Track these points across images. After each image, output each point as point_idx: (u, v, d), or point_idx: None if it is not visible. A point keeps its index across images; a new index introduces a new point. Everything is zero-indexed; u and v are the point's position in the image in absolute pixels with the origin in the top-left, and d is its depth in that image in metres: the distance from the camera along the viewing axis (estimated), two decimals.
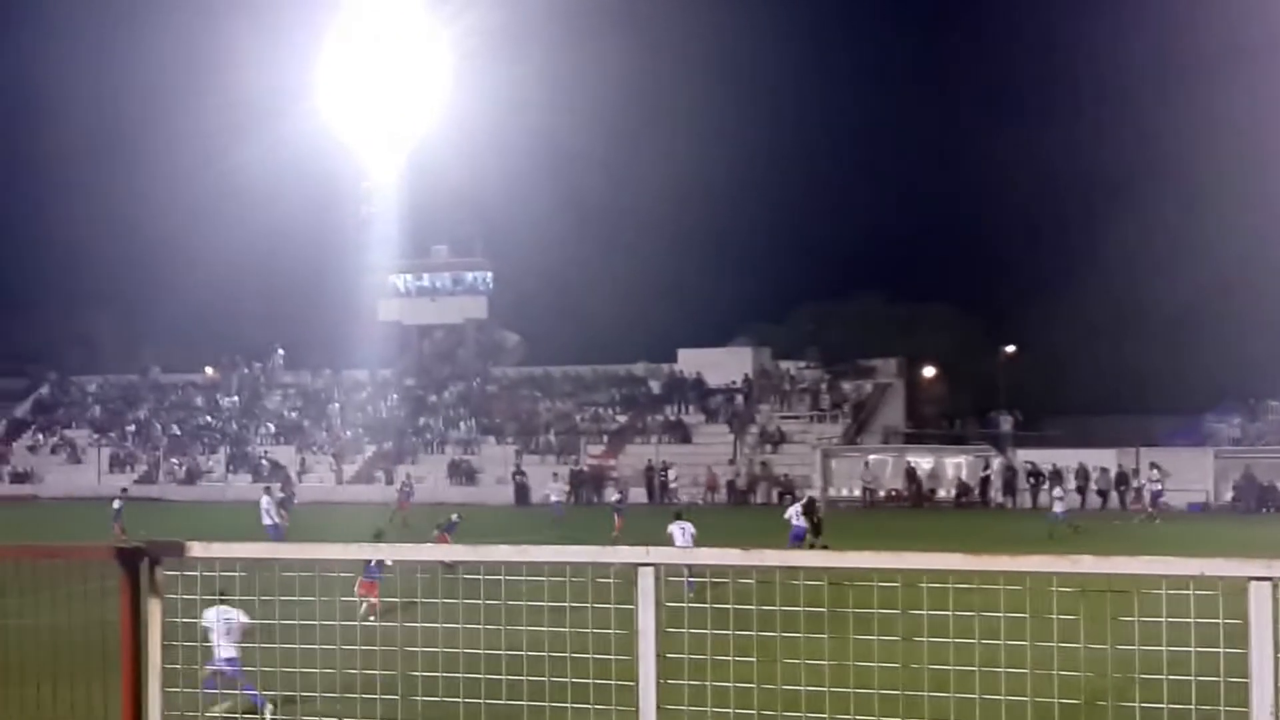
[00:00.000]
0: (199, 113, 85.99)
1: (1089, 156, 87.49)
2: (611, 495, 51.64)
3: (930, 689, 6.38)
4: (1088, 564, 5.24)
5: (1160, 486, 51.31)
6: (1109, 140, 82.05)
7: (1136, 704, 6.09)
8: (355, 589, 15.39)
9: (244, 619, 13.80)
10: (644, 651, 5.64)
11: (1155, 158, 75.94)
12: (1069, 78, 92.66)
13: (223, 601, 13.12)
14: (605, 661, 6.55)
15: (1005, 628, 6.28)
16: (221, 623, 13.41)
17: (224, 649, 13.36)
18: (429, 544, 7.80)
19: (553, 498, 52.55)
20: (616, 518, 42.54)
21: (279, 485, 50.19)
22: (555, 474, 59.04)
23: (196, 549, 6.12)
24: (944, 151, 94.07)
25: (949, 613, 6.36)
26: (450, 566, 7.13)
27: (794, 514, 34.60)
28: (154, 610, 6.01)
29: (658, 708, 5.63)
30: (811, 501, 36.69)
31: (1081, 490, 57.94)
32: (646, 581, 5.65)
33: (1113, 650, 6.32)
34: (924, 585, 6.04)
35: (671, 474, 63.17)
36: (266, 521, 36.22)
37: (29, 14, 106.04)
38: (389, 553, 7.23)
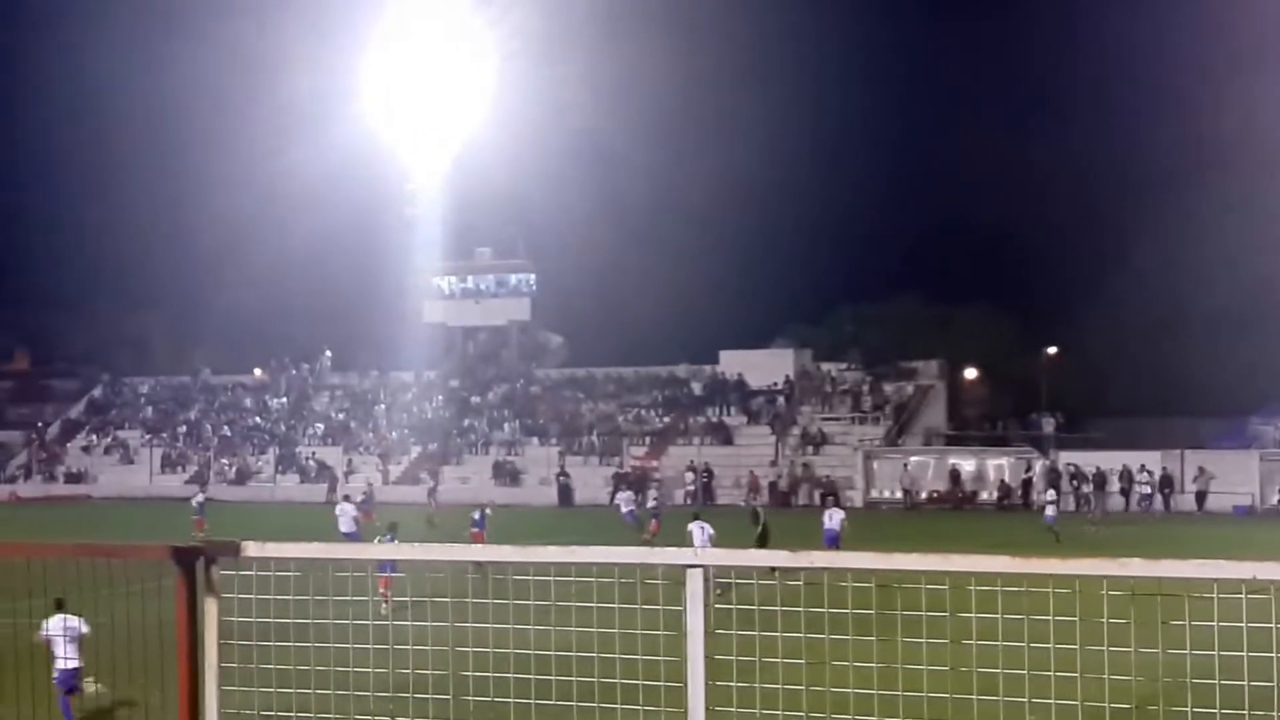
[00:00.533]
0: (248, 117, 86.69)
1: (1131, 156, 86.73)
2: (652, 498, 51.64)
3: (979, 692, 6.34)
4: (1137, 567, 5.19)
5: (1149, 489, 50.73)
6: (1151, 139, 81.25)
7: (1188, 709, 6.04)
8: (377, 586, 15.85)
9: (85, 628, 13.77)
10: (692, 653, 5.61)
11: (1198, 156, 75.38)
12: (1110, 76, 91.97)
13: (59, 608, 13.17)
14: (654, 663, 6.53)
15: (1054, 631, 6.23)
16: (65, 632, 13.36)
17: (68, 660, 13.36)
18: (469, 544, 7.81)
19: (624, 508, 49.11)
20: (654, 521, 42.66)
21: (361, 491, 50.54)
22: (617, 481, 57.65)
23: (251, 549, 6.13)
24: (985, 151, 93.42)
25: (997, 615, 6.31)
26: (479, 566, 7.12)
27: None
28: (210, 609, 6.03)
29: (706, 709, 5.60)
30: (755, 510, 36.25)
31: (1125, 493, 57.64)
32: (694, 583, 5.62)
33: (1163, 654, 6.30)
34: (972, 588, 6.00)
35: (688, 477, 63.20)
36: (345, 529, 36.10)
37: (83, 20, 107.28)
38: (440, 553, 7.04)
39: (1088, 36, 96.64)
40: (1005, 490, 60.23)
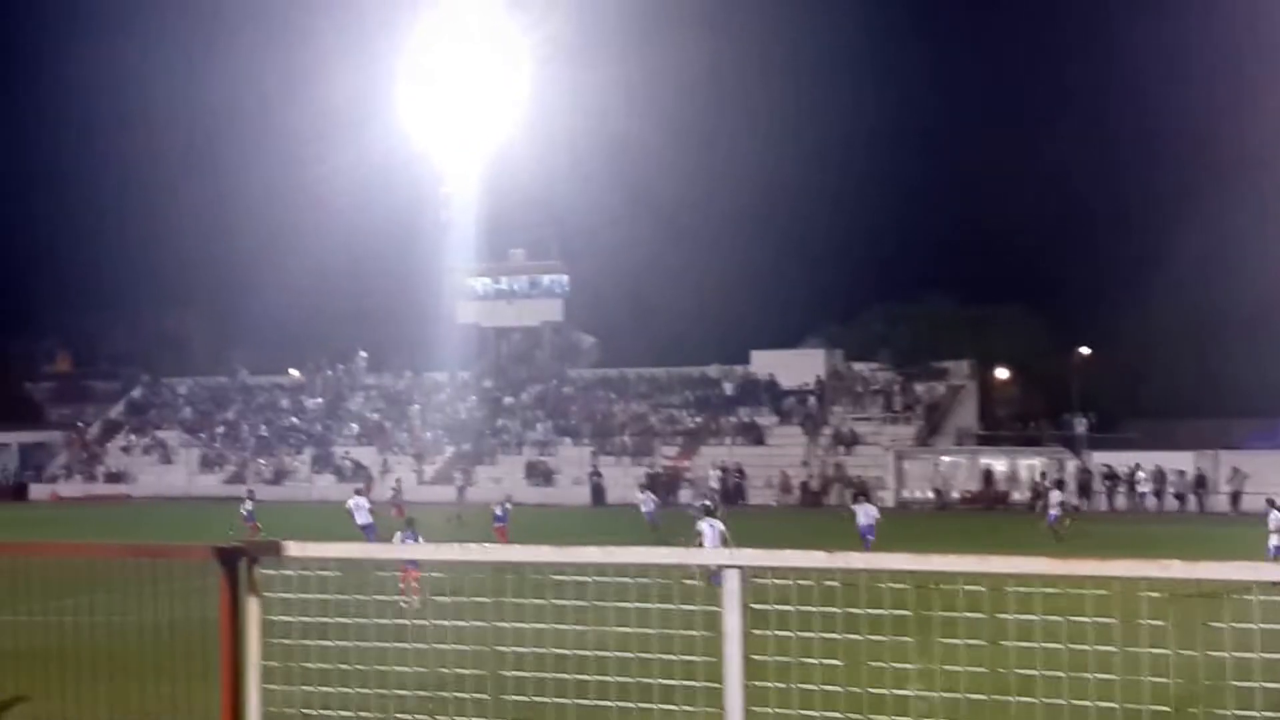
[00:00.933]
0: (286, 121, 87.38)
1: (1165, 155, 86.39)
2: (684, 497, 51.62)
3: (1017, 693, 6.33)
4: (1177, 569, 5.16)
5: (1149, 489, 50.25)
6: (1185, 138, 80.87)
7: (1230, 711, 6.03)
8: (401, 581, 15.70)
9: None
10: (730, 653, 5.62)
11: (1232, 155, 74.83)
12: (1144, 75, 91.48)
13: None
14: (691, 663, 6.55)
15: (1093, 632, 6.19)
16: None
17: None
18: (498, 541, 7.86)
19: (644, 507, 49.09)
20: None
21: (366, 486, 51.29)
22: (641, 483, 57.39)
23: (293, 549, 6.21)
24: (1018, 150, 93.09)
25: (1035, 617, 6.27)
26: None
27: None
28: (253, 608, 6.09)
29: (744, 710, 5.60)
30: (706, 508, 36.23)
31: (1159, 493, 57.45)
32: (732, 584, 5.63)
33: (1203, 656, 6.26)
34: (1009, 589, 5.98)
35: (713, 475, 63.11)
36: (361, 521, 36.98)
37: (124, 28, 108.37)
38: (477, 554, 7.09)
39: (1122, 35, 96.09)
40: (1037, 490, 59.98)
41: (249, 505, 42.71)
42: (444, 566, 7.45)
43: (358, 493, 41.39)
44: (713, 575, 6.56)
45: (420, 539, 27.59)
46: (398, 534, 28.88)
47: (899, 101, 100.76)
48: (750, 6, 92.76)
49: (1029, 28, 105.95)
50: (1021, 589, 5.97)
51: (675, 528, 43.38)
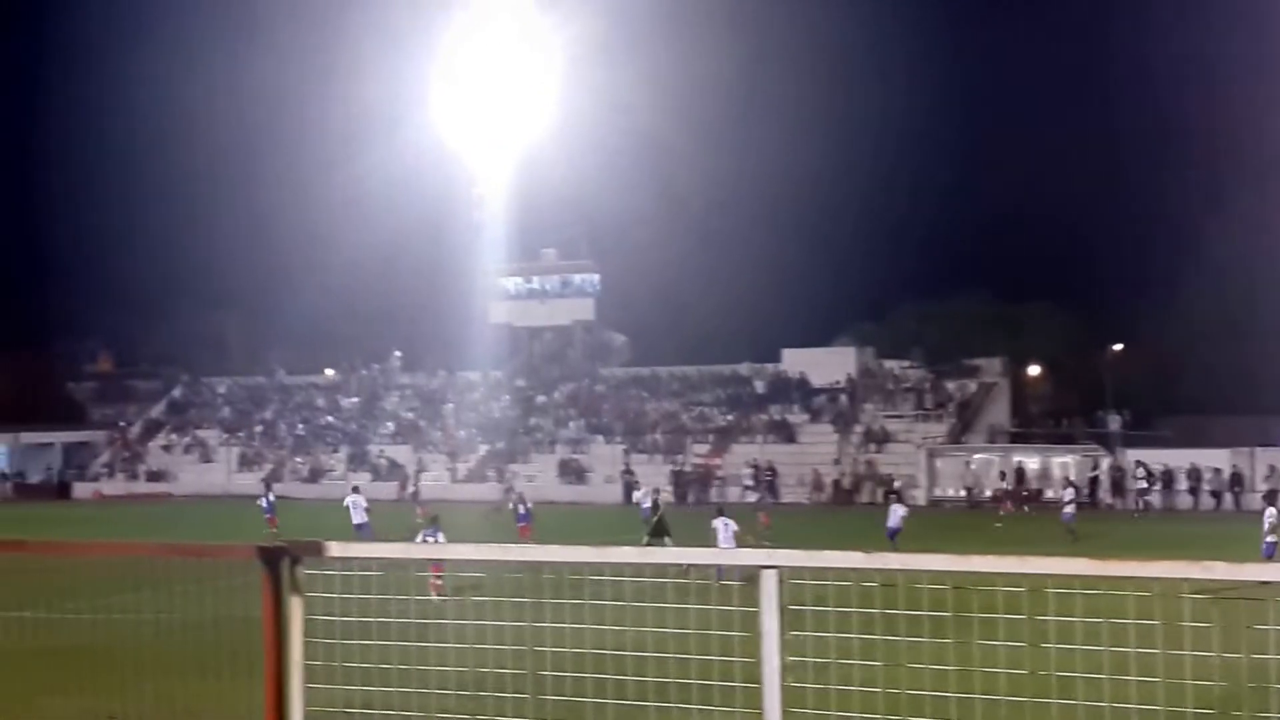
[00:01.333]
0: (320, 123, 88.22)
1: (1199, 151, 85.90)
2: (716, 495, 51.54)
3: (1058, 695, 6.31)
4: (1221, 570, 5.10)
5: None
6: (1219, 135, 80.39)
7: (1276, 715, 6.06)
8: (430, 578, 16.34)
9: None
10: (768, 654, 5.60)
11: (1267, 152, 74.35)
12: (1177, 71, 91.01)
13: None
14: (729, 663, 6.53)
15: (1134, 634, 6.12)
16: None
17: None
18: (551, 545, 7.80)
19: (644, 504, 47.37)
20: (763, 515, 43.25)
21: (412, 485, 51.86)
22: (676, 479, 56.82)
23: (335, 549, 6.20)
24: (1049, 147, 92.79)
25: (1076, 619, 6.19)
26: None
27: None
28: (295, 608, 6.08)
29: (782, 710, 5.58)
30: (719, 507, 36.40)
31: (1194, 491, 57.18)
32: (769, 584, 5.61)
33: (1248, 659, 6.18)
34: (1049, 590, 5.93)
35: (745, 473, 63.14)
36: (356, 520, 37.58)
37: (161, 31, 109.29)
38: (517, 554, 7.11)
39: (1154, 31, 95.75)
40: (1071, 489, 59.73)
41: (270, 497, 43.18)
42: (483, 566, 7.43)
43: (354, 490, 41.93)
44: (719, 570, 6.67)
45: (442, 536, 28.15)
46: (420, 532, 29.11)
47: (930, 100, 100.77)
48: (780, 5, 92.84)
49: (1061, 26, 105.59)
50: (1061, 590, 5.92)
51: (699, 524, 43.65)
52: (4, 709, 11.52)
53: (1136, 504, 55.99)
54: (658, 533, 33.07)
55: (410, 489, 53.69)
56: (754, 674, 5.71)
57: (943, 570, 5.62)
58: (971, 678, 6.61)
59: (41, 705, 11.55)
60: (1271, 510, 30.86)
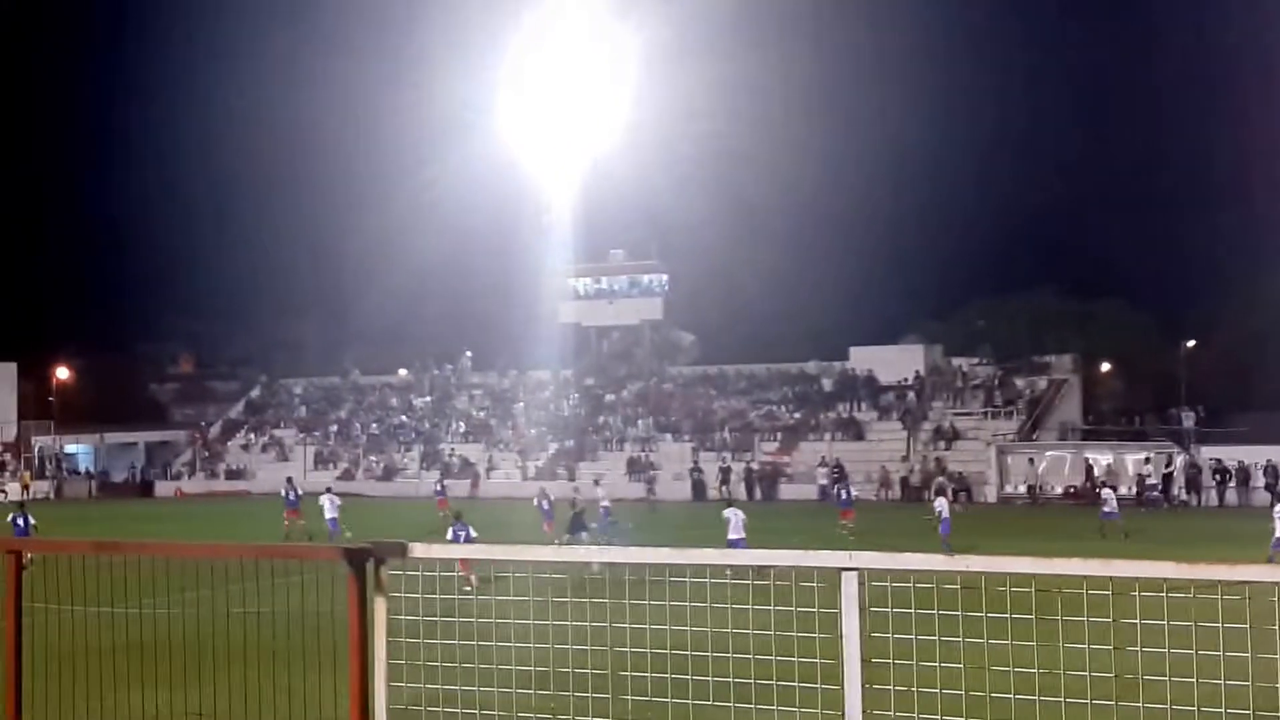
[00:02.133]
0: (393, 128, 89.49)
1: (1272, 145, 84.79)
2: (785, 492, 51.84)
3: (1145, 700, 6.21)
4: None
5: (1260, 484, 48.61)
6: None
7: None
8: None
9: None
10: (848, 655, 5.59)
11: None
12: (1246, 67, 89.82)
13: None
14: (810, 665, 6.52)
15: (1224, 638, 5.91)
16: None
17: None
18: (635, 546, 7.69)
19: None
20: (848, 510, 44.20)
21: (435, 482, 55.32)
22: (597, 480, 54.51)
23: (418, 550, 6.32)
24: (1121, 143, 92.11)
25: (1163, 622, 6.07)
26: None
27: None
28: (380, 607, 6.18)
29: (864, 712, 5.57)
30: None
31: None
32: (850, 586, 5.61)
33: None
34: (1136, 594, 5.83)
35: (820, 472, 63.15)
36: (328, 515, 40.05)
37: (237, 44, 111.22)
38: (597, 554, 7.11)
39: (1225, 29, 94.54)
40: (1144, 486, 59.40)
41: (298, 491, 44.01)
42: (566, 568, 7.27)
43: (329, 490, 43.82)
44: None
45: (471, 531, 29.16)
46: (449, 528, 29.95)
47: (999, 100, 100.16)
48: (845, 11, 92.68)
49: (1129, 21, 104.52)
50: (1148, 593, 5.77)
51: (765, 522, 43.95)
52: (87, 702, 11.87)
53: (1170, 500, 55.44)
54: (575, 529, 34.83)
55: (437, 487, 54.95)
56: (835, 675, 5.72)
57: (1026, 572, 5.57)
58: (1056, 681, 6.53)
59: (123, 700, 11.39)
60: None
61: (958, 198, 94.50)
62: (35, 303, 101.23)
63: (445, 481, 57.11)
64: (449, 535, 28.57)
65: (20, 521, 35.34)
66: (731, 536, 30.89)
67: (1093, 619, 6.08)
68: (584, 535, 34.79)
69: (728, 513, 31.92)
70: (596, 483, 48.43)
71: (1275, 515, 31.04)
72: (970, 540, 34.59)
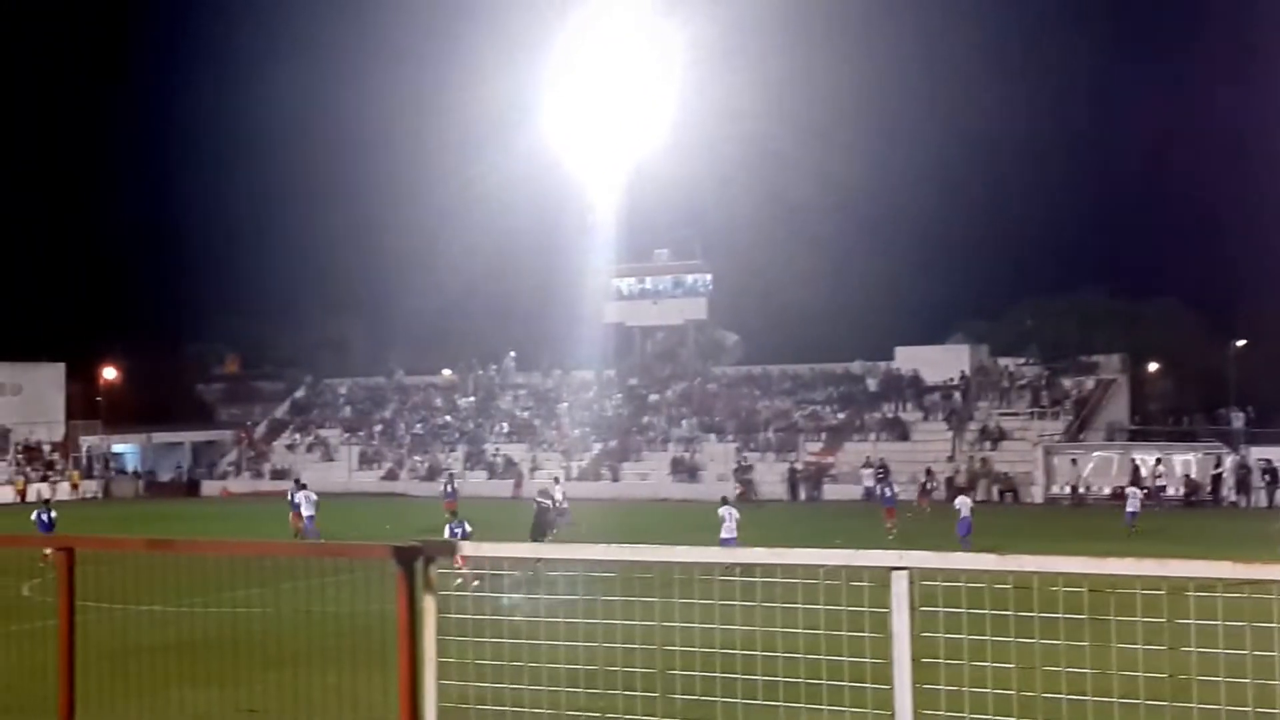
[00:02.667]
0: (437, 129, 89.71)
1: None
2: (829, 493, 51.85)
3: (1199, 700, 6.17)
4: None
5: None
6: None
7: None
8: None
9: None
10: (899, 655, 5.56)
11: None
12: None
13: None
14: (860, 664, 6.49)
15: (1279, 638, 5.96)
16: None
17: None
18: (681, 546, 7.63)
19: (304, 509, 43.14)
20: (889, 509, 44.47)
21: (443, 481, 56.66)
22: (557, 478, 54.53)
23: (468, 549, 6.37)
24: (1168, 142, 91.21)
25: (1218, 622, 6.01)
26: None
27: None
28: (429, 606, 6.18)
29: (914, 711, 5.55)
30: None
31: None
32: (900, 585, 5.59)
33: None
34: (1190, 594, 5.82)
35: (864, 474, 62.89)
36: (306, 512, 40.35)
37: (283, 46, 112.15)
38: (649, 554, 6.85)
39: (1266, 29, 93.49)
40: (1193, 486, 58.86)
41: (302, 494, 42.90)
42: (615, 567, 7.30)
43: (302, 487, 43.77)
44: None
45: (467, 528, 29.82)
46: (446, 527, 30.62)
47: (1047, 99, 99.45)
48: (890, 10, 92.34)
49: (1173, 23, 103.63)
50: (1203, 593, 5.74)
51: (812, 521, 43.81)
52: (140, 699, 11.86)
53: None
54: (537, 533, 35.32)
55: (447, 487, 55.39)
56: (885, 675, 5.70)
57: (1079, 572, 5.51)
58: (1108, 682, 6.51)
59: (175, 696, 11.73)
60: None
61: (1006, 196, 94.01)
62: (83, 304, 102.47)
63: (455, 484, 57.44)
64: (446, 533, 29.15)
65: (45, 518, 36.27)
66: (724, 536, 31.69)
67: (1146, 619, 6.02)
68: (550, 535, 35.65)
69: (722, 511, 32.56)
70: (557, 481, 48.81)
71: None
72: (993, 541, 34.53)
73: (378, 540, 6.80)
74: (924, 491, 56.14)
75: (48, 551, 27.99)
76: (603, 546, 6.48)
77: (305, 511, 40.65)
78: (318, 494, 43.40)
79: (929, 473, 60.07)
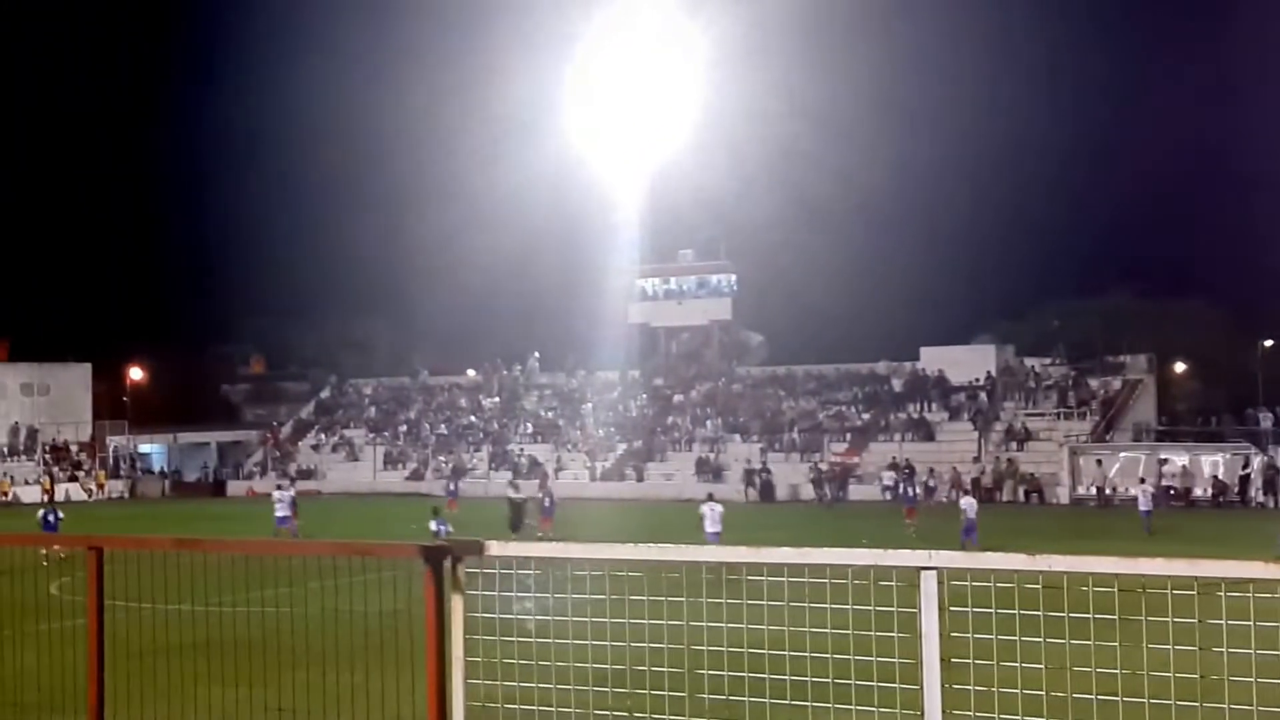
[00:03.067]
0: (461, 130, 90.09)
1: None
2: (855, 493, 51.82)
3: (1231, 702, 6.12)
4: None
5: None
6: None
7: None
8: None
9: None
10: (928, 655, 5.54)
11: None
12: None
13: None
14: (889, 665, 6.47)
15: None
16: None
17: None
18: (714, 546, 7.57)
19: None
20: (909, 508, 44.55)
21: (447, 482, 57.61)
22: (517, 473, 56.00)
23: (494, 548, 6.31)
24: (1194, 142, 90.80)
25: (1249, 623, 5.96)
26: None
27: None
28: (456, 605, 6.16)
29: (943, 712, 5.52)
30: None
31: None
32: (929, 585, 5.56)
33: None
34: (1221, 594, 5.75)
35: (886, 475, 62.80)
36: (279, 513, 41.16)
37: (306, 45, 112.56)
38: (674, 554, 6.89)
39: None
40: (1221, 487, 58.54)
41: (280, 493, 43.46)
42: (642, 566, 7.19)
43: (279, 488, 44.98)
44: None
45: (448, 527, 30.98)
46: (431, 523, 32.09)
47: (1072, 98, 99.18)
48: (914, 10, 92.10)
49: (1201, 19, 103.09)
50: (1235, 593, 5.70)
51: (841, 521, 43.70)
52: (168, 698, 11.88)
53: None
54: (514, 526, 37.18)
55: (450, 485, 55.76)
56: (913, 675, 5.68)
57: (1110, 572, 5.49)
58: (1139, 682, 6.45)
59: (203, 695, 11.85)
60: None
61: (1032, 196, 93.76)
62: (109, 304, 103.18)
63: (459, 482, 58.19)
64: (432, 528, 30.55)
65: (51, 518, 36.88)
66: (709, 530, 32.45)
67: (1177, 619, 5.99)
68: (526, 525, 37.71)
69: (704, 508, 33.36)
70: (515, 475, 51.89)
71: None
72: (1019, 542, 34.38)
73: (404, 540, 6.68)
74: (928, 491, 55.97)
75: (44, 551, 28.39)
76: (629, 546, 6.48)
77: (279, 513, 41.19)
78: (344, 492, 43.95)
79: (931, 472, 60.17)
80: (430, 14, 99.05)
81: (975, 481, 62.90)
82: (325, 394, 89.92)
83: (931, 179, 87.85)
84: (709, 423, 74.25)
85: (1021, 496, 61.42)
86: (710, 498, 35.25)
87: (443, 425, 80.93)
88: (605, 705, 7.33)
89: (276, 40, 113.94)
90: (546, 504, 41.97)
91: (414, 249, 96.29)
